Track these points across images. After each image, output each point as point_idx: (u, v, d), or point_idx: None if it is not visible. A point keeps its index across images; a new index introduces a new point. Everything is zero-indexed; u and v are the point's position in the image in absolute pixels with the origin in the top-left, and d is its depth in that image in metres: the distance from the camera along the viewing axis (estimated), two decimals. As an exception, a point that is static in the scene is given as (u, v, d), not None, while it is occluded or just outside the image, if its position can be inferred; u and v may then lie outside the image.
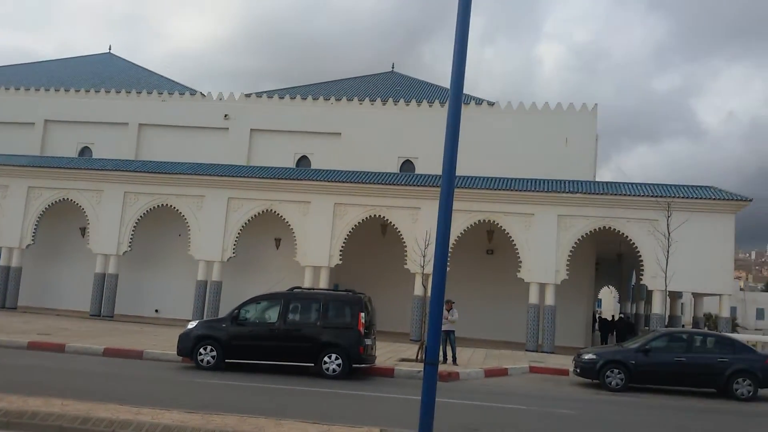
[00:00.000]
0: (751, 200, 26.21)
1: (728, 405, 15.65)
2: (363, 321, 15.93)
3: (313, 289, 20.86)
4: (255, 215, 29.52)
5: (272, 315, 16.38)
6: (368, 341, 16.13)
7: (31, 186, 31.12)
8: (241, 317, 16.40)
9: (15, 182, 31.19)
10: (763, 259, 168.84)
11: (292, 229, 29.06)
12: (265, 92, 38.30)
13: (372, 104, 34.89)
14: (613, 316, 45.19)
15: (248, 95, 37.16)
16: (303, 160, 35.13)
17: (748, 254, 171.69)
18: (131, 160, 33.36)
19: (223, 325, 16.37)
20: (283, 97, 36.24)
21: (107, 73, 42.87)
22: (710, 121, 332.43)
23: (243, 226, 29.51)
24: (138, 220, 30.42)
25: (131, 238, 30.33)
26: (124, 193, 30.35)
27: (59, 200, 31.15)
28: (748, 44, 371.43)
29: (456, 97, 8.20)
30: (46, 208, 31.22)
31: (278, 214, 29.27)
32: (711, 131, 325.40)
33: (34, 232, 31.13)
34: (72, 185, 30.88)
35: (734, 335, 22.10)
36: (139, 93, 37.22)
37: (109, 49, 47.75)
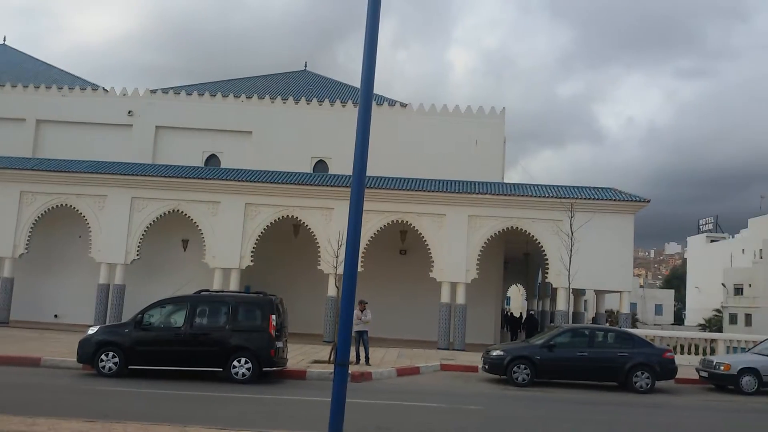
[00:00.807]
0: (648, 201, 27.58)
1: (628, 397, 16.36)
2: (274, 323, 15.68)
3: (223, 291, 20.35)
4: (161, 216, 28.54)
5: (178, 319, 15.86)
6: (279, 344, 15.89)
7: None
8: (145, 322, 15.82)
9: None
10: (661, 257, 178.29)
11: (200, 230, 28.26)
12: (172, 88, 37.14)
13: (284, 103, 34.49)
14: (521, 313, 46.60)
15: (154, 91, 35.92)
16: (212, 159, 34.31)
17: (647, 252, 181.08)
18: (28, 158, 31.56)
19: (126, 330, 15.73)
20: (191, 94, 35.30)
21: (1, 66, 40.40)
22: (611, 126, 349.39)
23: (148, 227, 28.47)
24: (35, 220, 28.80)
25: (28, 240, 28.70)
26: (21, 192, 28.66)
27: (-54, 200, 29.09)
28: (645, 54, 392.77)
29: (366, 98, 8.18)
30: (-69, 209, 29.07)
31: (185, 214, 28.41)
32: (611, 136, 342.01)
33: None
34: (-39, 184, 28.90)
35: (634, 330, 23.17)
36: (37, 87, 35.28)
37: (4, 40, 45.02)
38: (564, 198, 26.66)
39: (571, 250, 23.90)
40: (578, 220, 24.63)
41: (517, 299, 71.36)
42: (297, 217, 28.19)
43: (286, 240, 30.24)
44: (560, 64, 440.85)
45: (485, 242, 27.59)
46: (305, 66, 43.84)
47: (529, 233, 27.62)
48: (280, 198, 27.97)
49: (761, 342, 20.92)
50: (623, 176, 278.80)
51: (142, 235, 28.37)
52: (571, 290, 26.73)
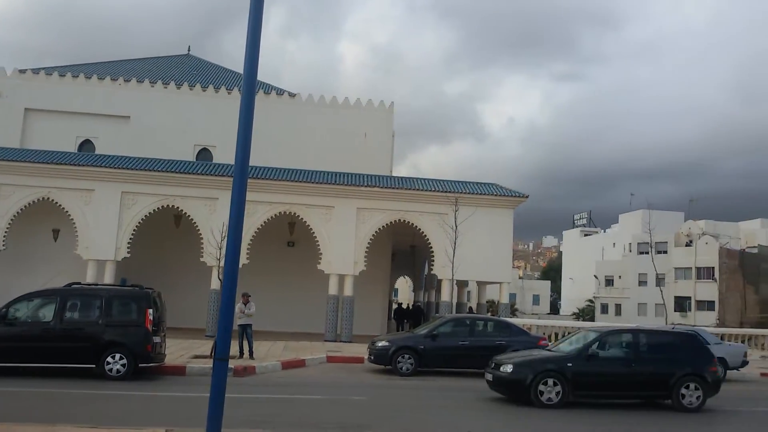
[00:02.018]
0: (527, 196, 28.74)
1: (505, 383, 16.91)
2: (151, 318, 15.04)
3: (96, 284, 19.26)
4: (29, 204, 26.65)
5: (47, 313, 14.87)
6: (157, 339, 15.26)
7: None
8: (9, 316, 14.75)
9: None
10: (539, 250, 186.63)
11: (72, 219, 26.65)
12: (44, 69, 34.75)
13: (165, 87, 33.14)
14: (409, 304, 47.31)
15: (23, 71, 33.50)
16: (86, 144, 32.49)
17: (526, 245, 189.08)
18: None
19: (-11, 326, 14.57)
20: (64, 75, 33.22)
21: None
22: (493, 124, 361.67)
23: (15, 216, 26.51)
24: None
25: None
26: None
27: None
28: (525, 57, 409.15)
29: (250, 84, 7.94)
30: None
31: (56, 202, 26.70)
32: (494, 134, 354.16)
33: None
34: None
35: (511, 319, 24.05)
36: None
37: None
38: (449, 192, 27.29)
39: (455, 243, 24.57)
40: (462, 213, 25.34)
41: (404, 291, 72.47)
42: (178, 207, 27.18)
43: (166, 231, 29.13)
44: (446, 63, 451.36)
45: (373, 234, 27.76)
46: (189, 50, 42.34)
47: (416, 226, 28.07)
48: (160, 187, 26.85)
49: (627, 329, 22.26)
50: (504, 173, 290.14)
51: (9, 224, 26.39)
52: (454, 281, 27.44)
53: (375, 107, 34.42)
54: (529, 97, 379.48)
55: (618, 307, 73.17)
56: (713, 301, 61.27)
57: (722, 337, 24.28)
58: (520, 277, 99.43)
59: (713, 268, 62.10)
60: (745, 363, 20.40)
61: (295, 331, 28.43)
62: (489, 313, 35.62)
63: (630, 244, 73.45)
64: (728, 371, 19.75)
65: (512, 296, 62.85)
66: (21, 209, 26.55)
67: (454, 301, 29.53)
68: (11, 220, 26.43)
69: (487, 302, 35.59)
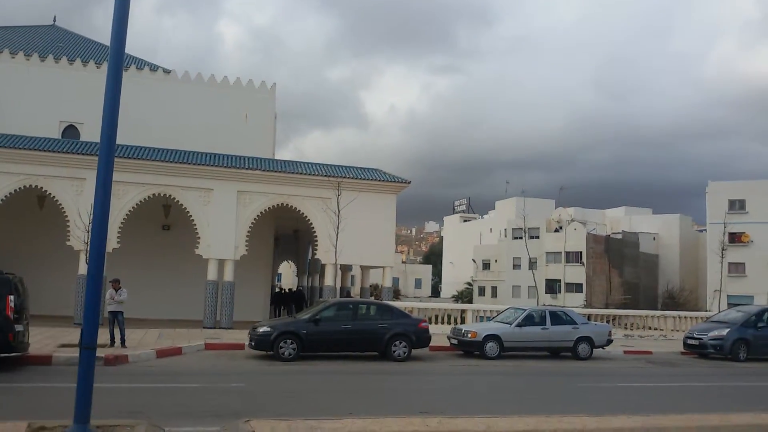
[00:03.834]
0: (409, 182, 29.11)
1: (387, 366, 17.14)
2: (12, 305, 13.91)
3: (-52, 270, 17.60)
4: None
5: None
6: (19, 327, 14.16)
7: None
8: None
9: None
10: (421, 235, 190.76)
11: None
12: None
13: (28, 59, 30.67)
14: (290, 288, 46.93)
15: None
16: (-63, 119, 29.52)
17: (409, 231, 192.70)
18: None
19: None
20: None
21: None
22: (375, 112, 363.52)
23: None
24: None
25: None
26: None
27: None
28: (404, 48, 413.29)
29: (117, 55, 7.44)
30: None
31: None
32: (376, 121, 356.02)
33: None
34: None
35: (393, 303, 24.34)
36: None
37: None
38: (332, 177, 27.12)
39: (338, 228, 24.49)
40: (345, 198, 25.28)
41: (288, 275, 71.86)
42: (42, 188, 25.33)
43: (29, 213, 27.13)
44: (328, 50, 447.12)
45: (255, 218, 27.17)
46: (54, 21, 39.43)
47: (299, 210, 27.73)
48: (21, 165, 24.83)
49: (503, 311, 23.18)
50: (387, 159, 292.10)
51: None
52: (338, 266, 27.40)
53: (256, 88, 33.55)
54: (409, 87, 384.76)
55: (494, 289, 76.14)
56: (581, 284, 65.02)
57: (589, 317, 25.74)
58: (403, 262, 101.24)
59: (581, 252, 65.81)
60: (609, 341, 21.70)
61: (172, 319, 27.39)
62: (372, 297, 35.93)
63: (505, 229, 76.40)
64: (594, 349, 21.01)
65: (395, 280, 63.95)
66: None
67: (338, 285, 29.52)
68: None
69: (370, 286, 35.85)
